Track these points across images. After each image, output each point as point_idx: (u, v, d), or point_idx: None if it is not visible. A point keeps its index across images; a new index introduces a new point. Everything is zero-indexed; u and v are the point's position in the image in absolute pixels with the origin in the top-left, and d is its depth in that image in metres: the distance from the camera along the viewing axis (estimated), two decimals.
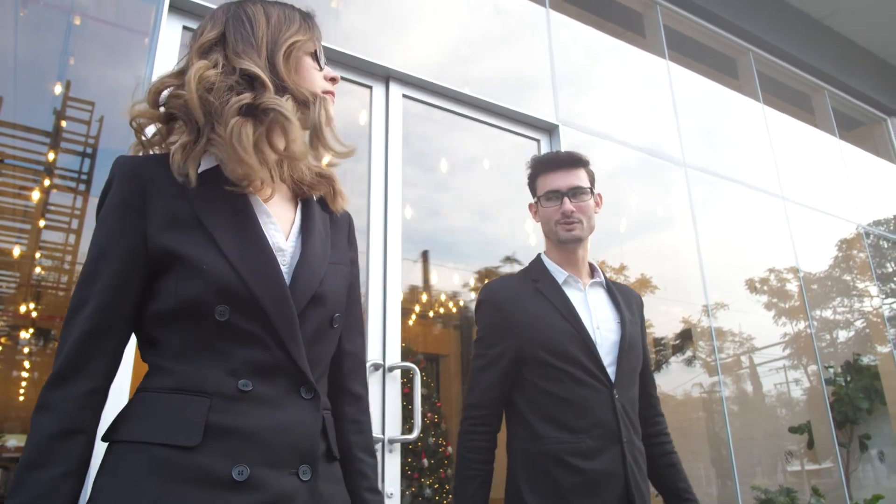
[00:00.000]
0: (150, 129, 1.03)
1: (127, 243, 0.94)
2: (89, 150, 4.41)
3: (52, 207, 4.76)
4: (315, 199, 1.10)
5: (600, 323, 1.65)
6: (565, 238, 1.68)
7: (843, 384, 4.68)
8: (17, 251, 5.19)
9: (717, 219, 4.09)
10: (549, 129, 3.29)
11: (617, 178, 3.79)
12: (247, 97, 0.95)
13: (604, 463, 1.51)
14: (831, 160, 5.21)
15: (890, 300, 5.47)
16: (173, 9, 2.29)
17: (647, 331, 2.76)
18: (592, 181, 1.75)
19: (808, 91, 5.41)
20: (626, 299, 1.75)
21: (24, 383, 6.60)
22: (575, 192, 1.70)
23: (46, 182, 4.66)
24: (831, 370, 4.73)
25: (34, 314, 5.89)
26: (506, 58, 3.52)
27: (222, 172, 0.97)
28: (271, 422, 0.90)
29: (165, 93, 0.99)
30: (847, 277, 5.17)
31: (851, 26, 5.33)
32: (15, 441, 6.37)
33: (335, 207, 1.11)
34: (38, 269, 5.60)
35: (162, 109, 1.00)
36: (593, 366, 1.57)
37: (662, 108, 4.05)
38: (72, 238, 5.32)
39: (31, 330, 6.21)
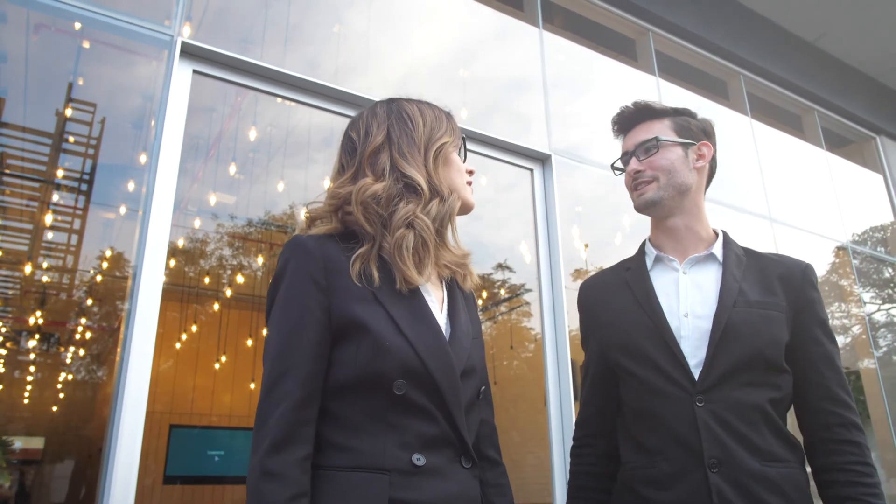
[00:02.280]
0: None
1: (317, 317, 1.00)
2: (91, 152, 4.51)
3: (54, 207, 4.86)
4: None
5: (691, 309, 1.29)
6: (638, 204, 1.41)
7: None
8: (22, 256, 5.29)
9: None
10: (542, 159, 3.39)
11: (611, 196, 3.91)
12: (411, 211, 1.07)
13: (680, 493, 1.18)
14: (820, 176, 5.30)
15: (887, 306, 5.59)
16: (185, 54, 2.40)
17: None
18: (681, 129, 1.41)
19: (798, 112, 5.51)
20: (762, 273, 1.33)
21: (28, 386, 6.72)
22: (641, 148, 1.40)
23: (52, 192, 4.76)
24: None
25: (40, 320, 6.00)
26: (502, 84, 3.64)
27: None
28: (442, 493, 0.97)
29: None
30: (845, 283, 5.28)
31: (842, 47, 5.43)
32: (20, 444, 6.49)
33: (465, 286, 1.20)
34: (44, 278, 5.71)
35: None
36: (670, 365, 1.24)
37: None
38: (73, 238, 5.43)
39: (36, 336, 6.32)
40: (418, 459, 0.96)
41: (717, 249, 1.37)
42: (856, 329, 5.37)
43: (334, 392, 1.00)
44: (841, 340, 5.34)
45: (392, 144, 1.13)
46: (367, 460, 0.96)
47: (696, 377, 1.22)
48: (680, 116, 1.43)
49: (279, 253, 1.08)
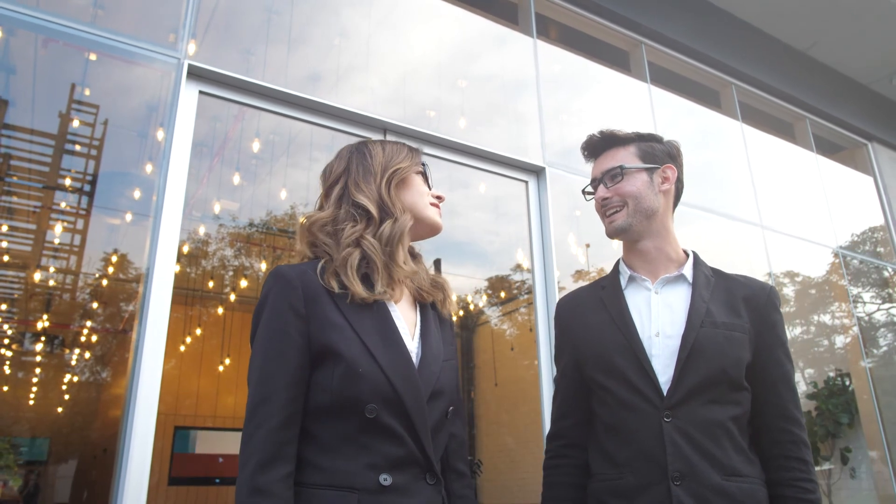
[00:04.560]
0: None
1: (296, 343, 1.09)
2: (94, 153, 4.59)
3: (58, 209, 4.93)
4: (429, 302, 1.27)
5: (662, 328, 1.36)
6: (609, 231, 1.47)
7: (843, 386, 4.88)
8: (26, 258, 5.36)
9: (696, 242, 4.28)
10: (537, 171, 3.48)
11: None
12: (358, 232, 1.18)
13: None
14: (811, 181, 5.37)
15: (887, 305, 5.67)
16: (191, 75, 2.50)
17: None
18: (645, 154, 1.46)
19: (790, 119, 5.58)
20: (728, 295, 1.40)
21: (34, 388, 6.80)
22: (607, 176, 1.45)
23: (55, 194, 4.83)
24: (830, 372, 4.95)
25: (46, 320, 6.08)
26: (497, 96, 3.73)
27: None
28: None
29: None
30: (844, 283, 5.36)
31: (833, 56, 5.51)
32: (25, 447, 6.58)
33: (444, 311, 1.29)
34: (50, 282, 5.80)
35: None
36: (641, 381, 1.30)
37: None
38: (77, 239, 5.49)
39: (42, 339, 6.40)
40: (385, 479, 1.05)
41: (688, 270, 1.43)
42: (850, 331, 5.46)
43: (313, 414, 1.09)
44: (840, 341, 5.42)
45: (349, 176, 1.24)
46: (339, 479, 1.05)
47: (665, 393, 1.28)
48: (645, 142, 1.49)
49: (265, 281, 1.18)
